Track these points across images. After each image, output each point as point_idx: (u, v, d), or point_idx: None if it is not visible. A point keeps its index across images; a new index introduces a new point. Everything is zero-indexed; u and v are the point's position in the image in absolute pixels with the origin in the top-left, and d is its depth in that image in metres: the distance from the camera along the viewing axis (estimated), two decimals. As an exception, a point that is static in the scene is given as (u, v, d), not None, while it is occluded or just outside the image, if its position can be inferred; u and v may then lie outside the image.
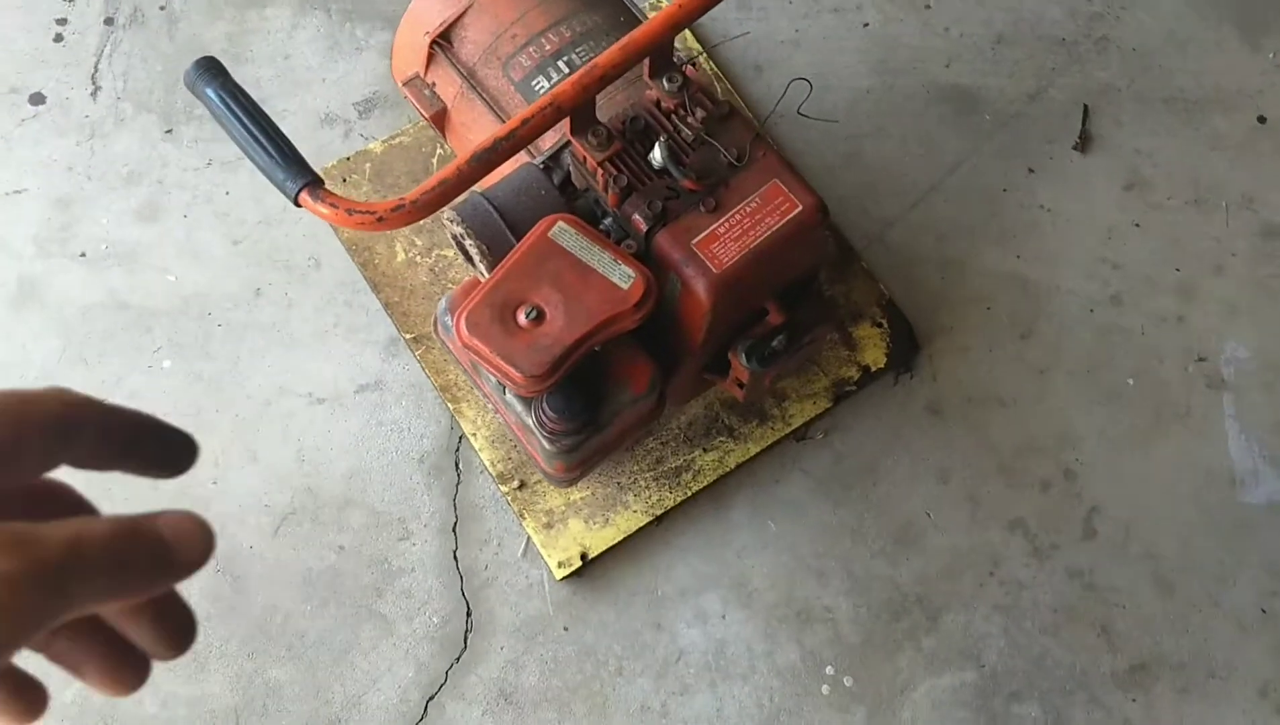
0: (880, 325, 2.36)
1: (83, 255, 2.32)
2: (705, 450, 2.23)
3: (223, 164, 2.40)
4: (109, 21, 2.53)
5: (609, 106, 1.85)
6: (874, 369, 2.32)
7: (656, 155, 1.70)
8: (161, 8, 2.56)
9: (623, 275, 1.65)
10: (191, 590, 0.65)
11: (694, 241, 1.69)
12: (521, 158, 1.81)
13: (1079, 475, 2.27)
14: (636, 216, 1.70)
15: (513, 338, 1.60)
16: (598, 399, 1.72)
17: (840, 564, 2.18)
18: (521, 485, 2.18)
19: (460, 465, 2.20)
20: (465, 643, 2.10)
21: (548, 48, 1.91)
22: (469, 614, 2.12)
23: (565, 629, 2.11)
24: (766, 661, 2.10)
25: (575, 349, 1.60)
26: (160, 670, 0.62)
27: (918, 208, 2.48)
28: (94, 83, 2.47)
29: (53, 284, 2.29)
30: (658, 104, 1.75)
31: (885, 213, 2.46)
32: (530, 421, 1.71)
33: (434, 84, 1.99)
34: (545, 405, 1.69)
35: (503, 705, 2.05)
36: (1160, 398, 2.34)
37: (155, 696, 2.02)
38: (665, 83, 1.74)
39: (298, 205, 1.53)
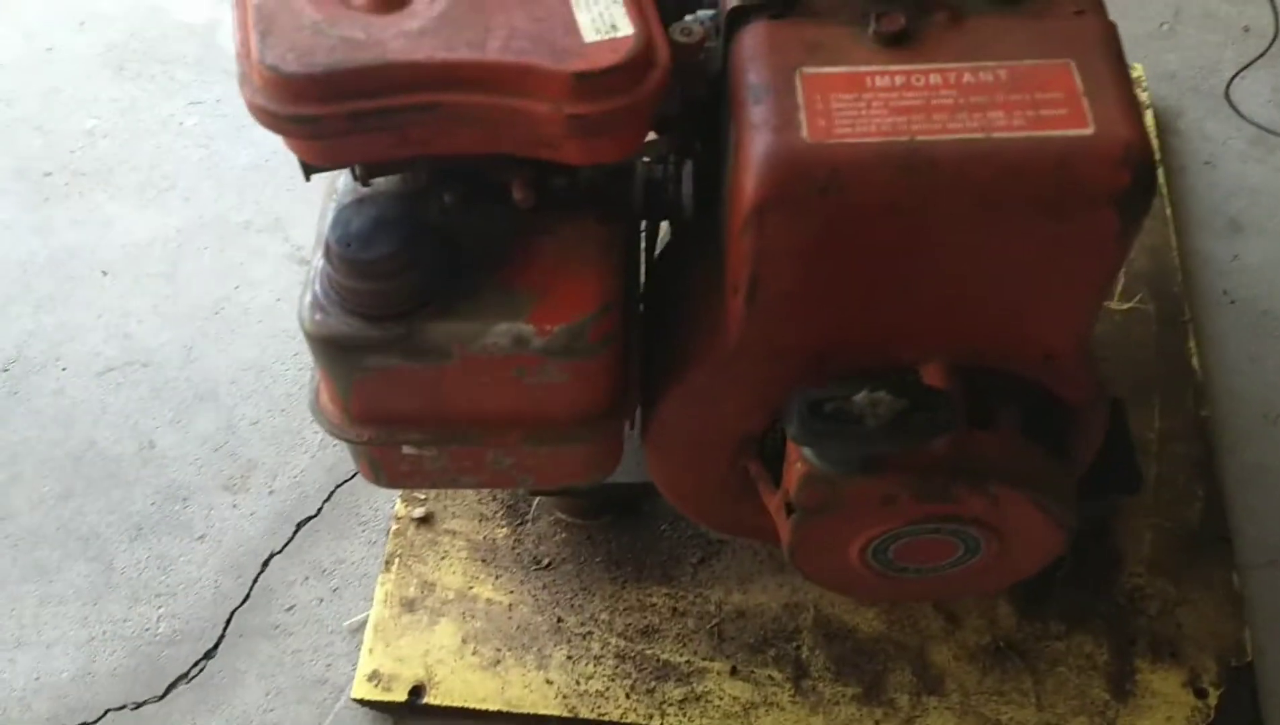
0: (1204, 694, 1.13)
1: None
2: (739, 676, 1.14)
3: None
4: None
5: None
6: (1141, 761, 1.09)
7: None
8: None
9: (603, 19, 0.71)
10: None
11: (809, 67, 0.71)
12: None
13: None
14: (734, -21, 0.76)
15: (319, 1, 0.71)
16: (438, 264, 0.77)
17: None
18: (425, 520, 1.21)
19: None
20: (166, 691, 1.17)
21: None
22: (211, 651, 1.19)
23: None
24: None
25: (396, 85, 0.68)
26: None
27: None
28: None
29: None
30: None
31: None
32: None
33: None
34: (334, 213, 0.77)
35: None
36: None
37: None
38: None
39: None
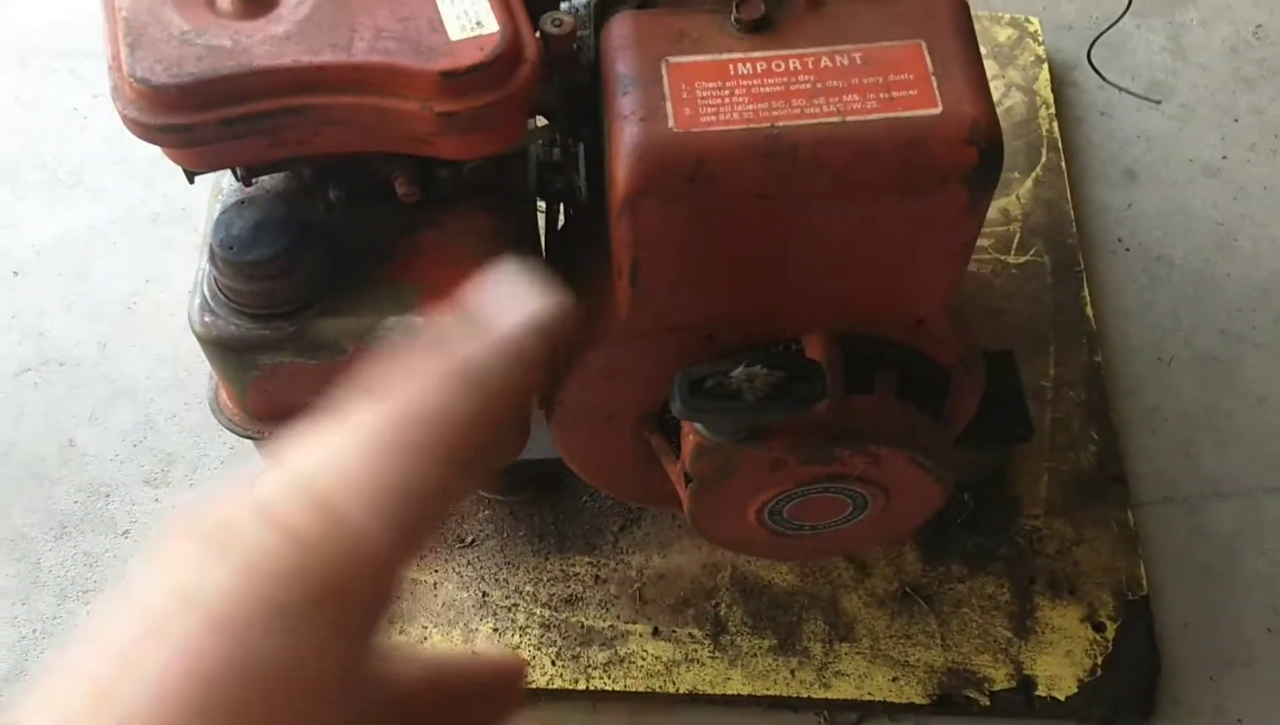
0: (1101, 627, 1.18)
1: None
2: (660, 636, 1.17)
3: None
4: None
5: None
6: (1044, 694, 1.15)
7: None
8: None
9: (468, 16, 0.72)
10: None
11: (674, 56, 0.74)
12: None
13: None
14: (601, -31, 0.78)
15: (187, 10, 0.72)
16: (323, 261, 0.79)
17: None
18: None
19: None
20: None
21: None
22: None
23: None
24: None
25: (264, 91, 0.70)
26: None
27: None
28: None
29: None
30: None
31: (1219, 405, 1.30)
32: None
33: None
34: (216, 216, 0.78)
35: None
36: None
37: None
38: None
39: None
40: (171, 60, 0.70)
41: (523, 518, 1.24)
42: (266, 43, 0.71)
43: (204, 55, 0.70)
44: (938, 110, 0.71)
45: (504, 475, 1.22)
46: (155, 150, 0.74)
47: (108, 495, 1.32)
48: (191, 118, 0.70)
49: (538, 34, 0.77)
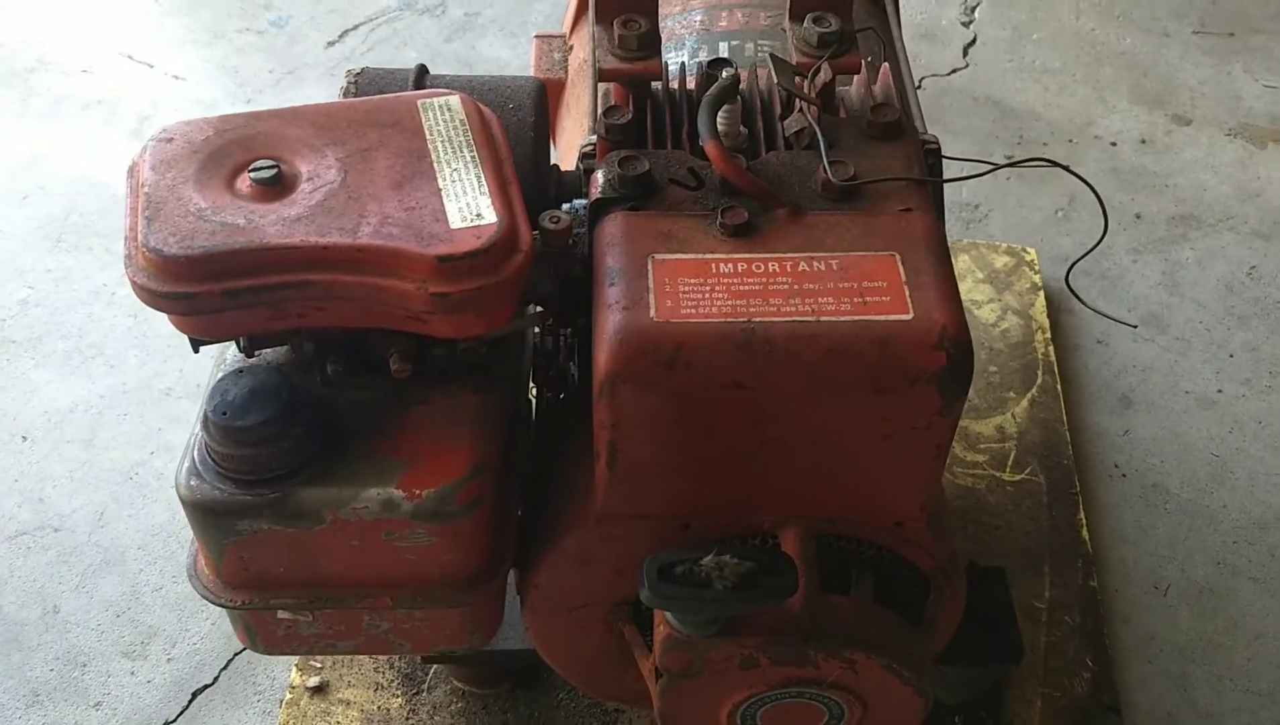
0: None
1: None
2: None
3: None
4: None
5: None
6: None
7: (719, 117, 0.83)
8: None
9: (470, 209, 0.77)
10: None
11: (660, 254, 0.77)
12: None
13: None
14: (599, 174, 0.83)
15: (207, 191, 0.77)
16: (312, 436, 0.80)
17: None
18: (320, 690, 1.21)
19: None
20: None
21: (722, 24, 1.14)
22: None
23: None
24: None
25: (269, 266, 0.74)
26: None
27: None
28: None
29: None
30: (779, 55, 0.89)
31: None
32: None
33: (571, 46, 1.29)
34: (214, 383, 0.81)
35: None
36: None
37: None
38: (810, 25, 0.89)
39: None
40: (185, 233, 0.74)
41: (496, 713, 1.21)
42: (279, 223, 0.75)
43: (217, 231, 0.74)
44: (909, 316, 0.74)
45: (479, 667, 1.20)
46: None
47: (84, 665, 1.30)
48: (196, 287, 0.73)
49: (536, 230, 0.82)
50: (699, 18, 1.16)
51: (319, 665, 1.22)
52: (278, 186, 0.77)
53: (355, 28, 2.18)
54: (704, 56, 1.11)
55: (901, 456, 0.78)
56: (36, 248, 1.74)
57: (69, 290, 1.68)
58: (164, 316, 0.78)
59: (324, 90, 2.04)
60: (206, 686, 1.27)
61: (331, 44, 2.15)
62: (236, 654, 1.29)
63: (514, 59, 2.14)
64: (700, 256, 0.78)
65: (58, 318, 1.65)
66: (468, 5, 2.24)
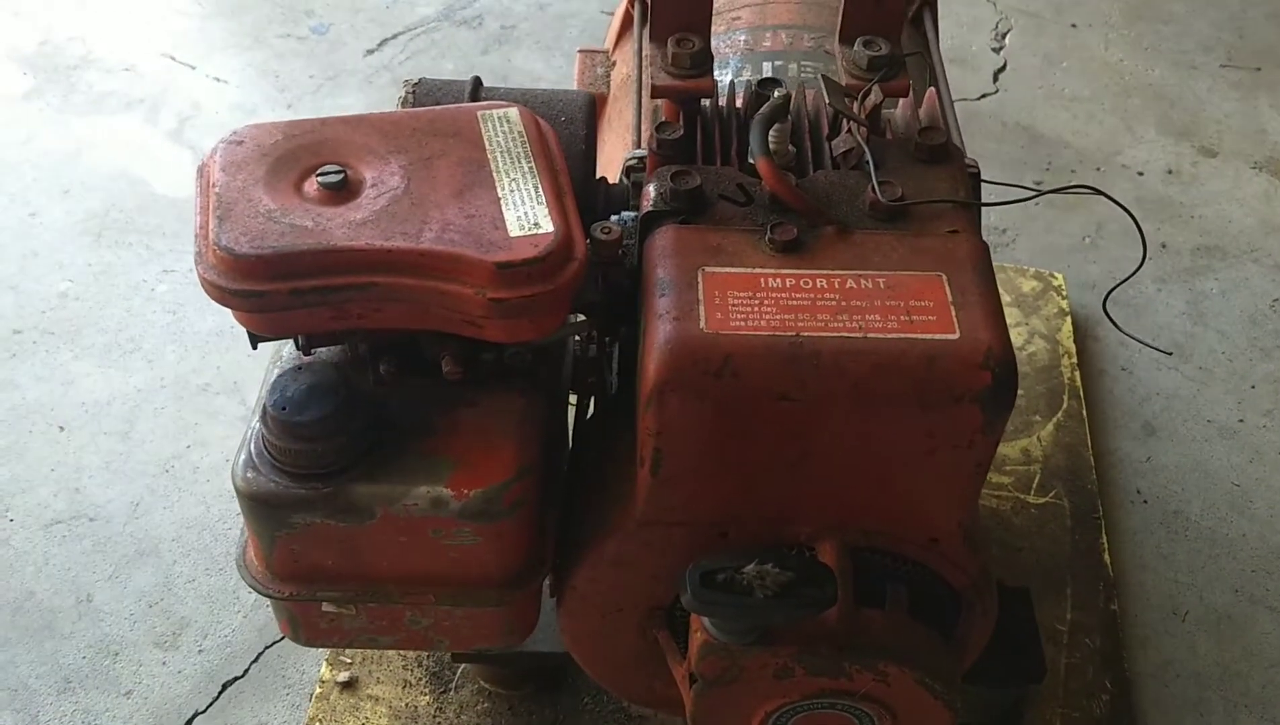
0: None
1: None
2: None
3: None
4: None
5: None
6: None
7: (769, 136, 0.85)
8: None
9: (528, 218, 0.79)
10: None
11: (710, 267, 0.80)
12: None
13: None
14: (650, 188, 0.85)
15: (276, 193, 0.79)
16: (366, 433, 0.83)
17: None
18: (349, 685, 1.23)
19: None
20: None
21: (766, 44, 1.16)
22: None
23: None
24: None
25: (336, 267, 0.76)
26: None
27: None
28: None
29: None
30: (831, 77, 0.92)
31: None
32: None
33: (615, 62, 1.32)
34: (274, 379, 0.83)
35: None
36: None
37: None
38: (860, 48, 0.91)
39: None
40: (256, 234, 0.77)
41: (521, 714, 1.23)
42: (345, 226, 0.78)
43: (286, 232, 0.77)
44: (955, 335, 0.76)
45: (509, 667, 1.21)
46: (215, 325, 0.80)
47: (116, 654, 1.32)
48: (265, 286, 0.76)
49: (588, 239, 0.84)
50: (743, 38, 1.19)
51: (349, 660, 1.24)
52: (344, 191, 0.80)
53: (394, 37, 2.21)
54: (749, 76, 1.14)
55: (942, 473, 0.80)
56: (76, 242, 1.77)
57: (108, 285, 1.71)
58: (202, 313, 0.81)
59: (363, 97, 2.07)
60: (237, 678, 1.29)
61: (370, 52, 2.18)
62: (267, 647, 1.31)
63: (548, 72, 2.17)
64: (750, 271, 0.80)
65: (97, 312, 1.67)
66: (504, 18, 2.28)
